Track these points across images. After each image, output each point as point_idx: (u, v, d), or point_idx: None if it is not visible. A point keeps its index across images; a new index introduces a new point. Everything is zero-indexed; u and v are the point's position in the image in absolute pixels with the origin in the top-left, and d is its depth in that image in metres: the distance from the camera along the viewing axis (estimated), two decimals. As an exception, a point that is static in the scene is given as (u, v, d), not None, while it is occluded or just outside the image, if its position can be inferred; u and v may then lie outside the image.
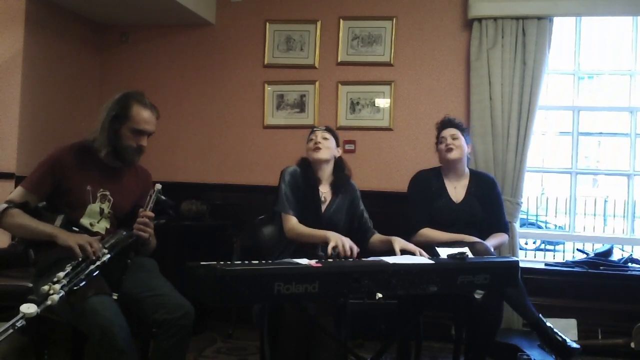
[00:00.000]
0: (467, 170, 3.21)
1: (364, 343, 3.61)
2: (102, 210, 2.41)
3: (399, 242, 2.63)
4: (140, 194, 2.47)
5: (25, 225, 2.26)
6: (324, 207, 2.83)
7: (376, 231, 2.93)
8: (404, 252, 2.56)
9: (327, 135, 2.90)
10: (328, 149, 2.87)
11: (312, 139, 2.89)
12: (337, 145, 2.95)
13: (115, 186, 2.45)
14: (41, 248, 2.32)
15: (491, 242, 2.99)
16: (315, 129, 2.96)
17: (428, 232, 3.03)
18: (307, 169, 2.86)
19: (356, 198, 2.96)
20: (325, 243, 2.53)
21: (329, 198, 2.86)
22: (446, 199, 3.11)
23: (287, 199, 2.75)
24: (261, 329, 2.69)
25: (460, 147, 3.10)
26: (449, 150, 3.10)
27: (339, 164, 2.95)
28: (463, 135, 3.15)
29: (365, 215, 2.95)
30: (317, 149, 2.84)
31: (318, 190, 2.84)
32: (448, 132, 3.14)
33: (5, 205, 2.28)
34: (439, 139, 3.19)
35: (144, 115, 2.38)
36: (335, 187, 2.89)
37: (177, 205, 4.04)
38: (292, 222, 2.72)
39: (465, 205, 3.09)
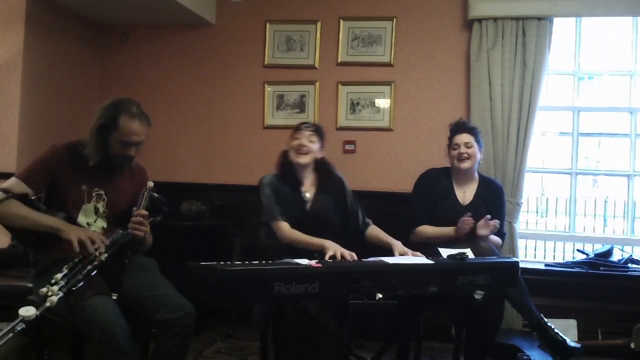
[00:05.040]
0: (476, 175, 3.21)
1: (364, 343, 3.60)
2: (97, 210, 2.41)
3: (398, 249, 2.62)
4: (136, 192, 2.46)
5: (27, 216, 2.24)
6: (308, 205, 2.80)
7: (371, 222, 2.89)
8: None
9: (314, 137, 2.80)
10: (312, 154, 2.79)
11: (297, 139, 2.79)
12: (322, 147, 2.85)
13: (110, 185, 2.45)
14: (40, 248, 2.32)
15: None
16: (301, 128, 2.82)
17: (423, 229, 3.06)
18: (287, 170, 2.81)
19: (344, 192, 2.89)
20: (323, 251, 2.51)
21: (312, 196, 2.82)
22: (453, 199, 3.12)
23: (271, 207, 2.73)
24: (262, 329, 2.69)
25: (474, 155, 3.09)
26: (462, 159, 3.08)
27: (321, 165, 2.86)
28: (477, 140, 3.13)
29: (355, 207, 2.89)
30: (301, 153, 2.76)
31: (300, 190, 2.81)
32: (462, 139, 3.10)
33: (4, 195, 2.25)
34: (451, 143, 3.15)
35: (131, 127, 2.34)
36: (319, 187, 2.84)
37: (177, 205, 4.05)
38: (284, 227, 2.70)
39: (471, 208, 3.08)
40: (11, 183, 2.32)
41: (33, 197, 2.30)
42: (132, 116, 2.35)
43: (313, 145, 2.79)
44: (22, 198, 2.27)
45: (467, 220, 2.92)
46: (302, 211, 2.78)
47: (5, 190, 2.28)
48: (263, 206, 2.75)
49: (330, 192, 2.86)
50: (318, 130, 2.84)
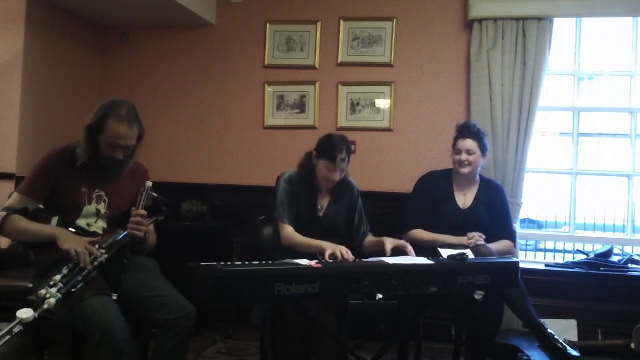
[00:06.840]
0: (477, 178, 3.20)
1: (364, 343, 3.60)
2: (98, 211, 2.41)
3: (389, 241, 2.64)
4: (137, 192, 2.44)
5: (26, 229, 2.27)
6: (320, 212, 2.81)
7: (370, 233, 2.91)
8: (395, 249, 2.58)
9: (344, 167, 2.73)
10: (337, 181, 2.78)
11: (331, 171, 2.70)
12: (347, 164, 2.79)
13: (110, 186, 2.44)
14: (41, 249, 2.32)
15: (494, 245, 2.98)
16: (337, 163, 2.66)
17: (416, 232, 3.06)
18: (307, 172, 2.80)
19: (354, 197, 2.91)
20: (321, 252, 2.51)
21: (325, 204, 2.84)
22: (452, 203, 3.11)
23: (282, 206, 2.73)
24: (261, 329, 2.69)
25: (475, 162, 3.08)
26: (462, 165, 3.08)
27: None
28: (481, 145, 3.10)
29: (360, 212, 2.90)
30: (330, 182, 2.76)
31: (316, 197, 2.82)
32: (465, 145, 3.07)
33: (4, 213, 2.28)
34: (455, 146, 3.13)
35: (118, 130, 2.31)
36: (333, 195, 2.85)
37: (177, 205, 4.05)
38: (288, 230, 2.71)
39: (471, 212, 3.10)
40: (12, 200, 2.35)
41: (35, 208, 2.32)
42: (120, 119, 2.31)
43: (341, 175, 2.76)
44: (23, 212, 2.28)
45: (473, 239, 2.93)
46: (314, 217, 2.79)
47: (6, 209, 2.30)
48: (275, 202, 2.75)
49: (342, 198, 2.86)
50: (348, 154, 2.74)
